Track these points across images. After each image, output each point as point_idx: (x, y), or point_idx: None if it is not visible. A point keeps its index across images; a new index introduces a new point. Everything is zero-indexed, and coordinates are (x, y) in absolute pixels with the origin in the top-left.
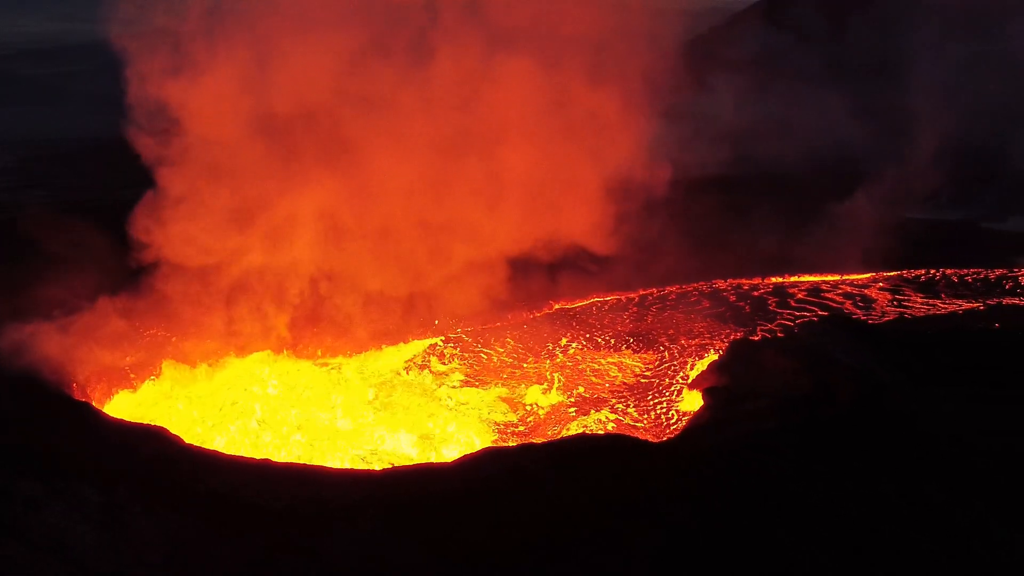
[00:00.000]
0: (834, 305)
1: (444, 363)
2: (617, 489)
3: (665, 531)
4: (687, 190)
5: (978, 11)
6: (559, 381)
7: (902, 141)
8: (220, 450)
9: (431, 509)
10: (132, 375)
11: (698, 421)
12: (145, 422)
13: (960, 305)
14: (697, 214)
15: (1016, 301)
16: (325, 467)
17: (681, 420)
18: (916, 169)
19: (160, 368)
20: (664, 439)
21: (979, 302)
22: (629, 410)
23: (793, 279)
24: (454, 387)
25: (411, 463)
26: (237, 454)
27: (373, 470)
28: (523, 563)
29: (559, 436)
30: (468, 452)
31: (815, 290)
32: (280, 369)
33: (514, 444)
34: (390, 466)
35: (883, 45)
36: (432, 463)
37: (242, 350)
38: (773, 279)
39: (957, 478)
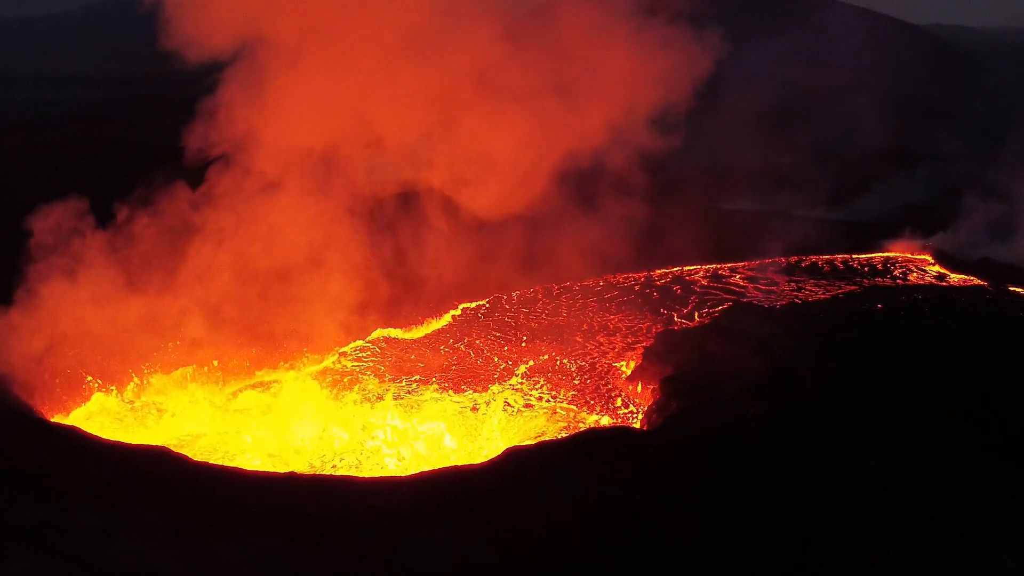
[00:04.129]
0: (737, 289)
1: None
2: (642, 478)
3: (699, 517)
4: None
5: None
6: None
7: (714, 134)
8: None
9: (487, 508)
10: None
11: (669, 410)
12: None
13: (841, 287)
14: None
15: (887, 282)
16: (362, 477)
17: (636, 409)
18: (735, 161)
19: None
20: (653, 428)
21: (856, 284)
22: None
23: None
24: None
25: (444, 466)
26: (258, 469)
27: (407, 475)
28: (580, 550)
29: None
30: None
31: (715, 276)
32: None
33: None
34: (422, 471)
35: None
36: (465, 465)
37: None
38: (660, 270)
39: (924, 449)
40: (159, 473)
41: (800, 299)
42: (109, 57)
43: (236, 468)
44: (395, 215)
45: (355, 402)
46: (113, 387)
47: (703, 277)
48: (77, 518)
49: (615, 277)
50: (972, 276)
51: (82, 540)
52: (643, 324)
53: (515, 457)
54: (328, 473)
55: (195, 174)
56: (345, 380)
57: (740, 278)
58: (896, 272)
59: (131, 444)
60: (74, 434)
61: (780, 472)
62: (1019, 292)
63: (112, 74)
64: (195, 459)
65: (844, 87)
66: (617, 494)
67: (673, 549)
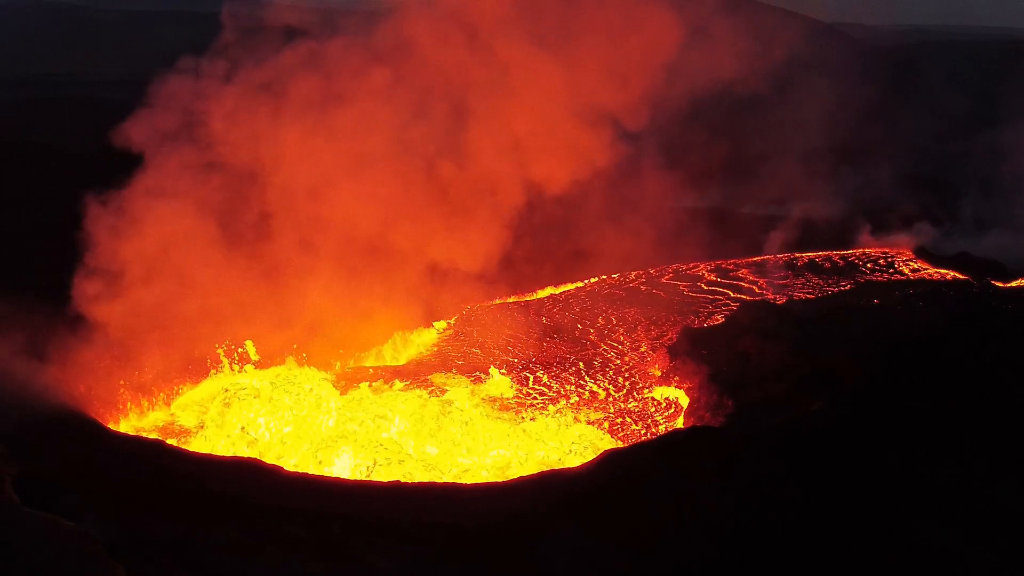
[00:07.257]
0: (744, 286)
1: None
2: (729, 472)
3: (793, 513)
4: None
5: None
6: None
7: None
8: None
9: (600, 509)
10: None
11: (725, 408)
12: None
13: (837, 280)
14: None
15: (879, 278)
16: (467, 483)
17: (671, 407)
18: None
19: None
20: (723, 425)
21: (850, 280)
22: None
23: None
24: None
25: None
26: (359, 479)
27: (512, 480)
28: (699, 546)
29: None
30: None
31: (720, 271)
32: None
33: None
34: (523, 475)
35: None
36: (565, 468)
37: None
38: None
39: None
40: (261, 486)
41: (806, 296)
42: (15, 59)
43: (336, 478)
44: None
45: None
46: None
47: (709, 272)
48: (217, 533)
49: (615, 276)
50: (953, 270)
51: (231, 555)
52: (659, 321)
53: (612, 459)
54: (430, 481)
55: None
56: None
57: (745, 273)
58: (885, 268)
59: (218, 456)
60: (160, 448)
61: (849, 462)
62: (1000, 285)
63: (19, 76)
64: (288, 469)
65: (785, 84)
66: (714, 490)
67: (772, 538)
